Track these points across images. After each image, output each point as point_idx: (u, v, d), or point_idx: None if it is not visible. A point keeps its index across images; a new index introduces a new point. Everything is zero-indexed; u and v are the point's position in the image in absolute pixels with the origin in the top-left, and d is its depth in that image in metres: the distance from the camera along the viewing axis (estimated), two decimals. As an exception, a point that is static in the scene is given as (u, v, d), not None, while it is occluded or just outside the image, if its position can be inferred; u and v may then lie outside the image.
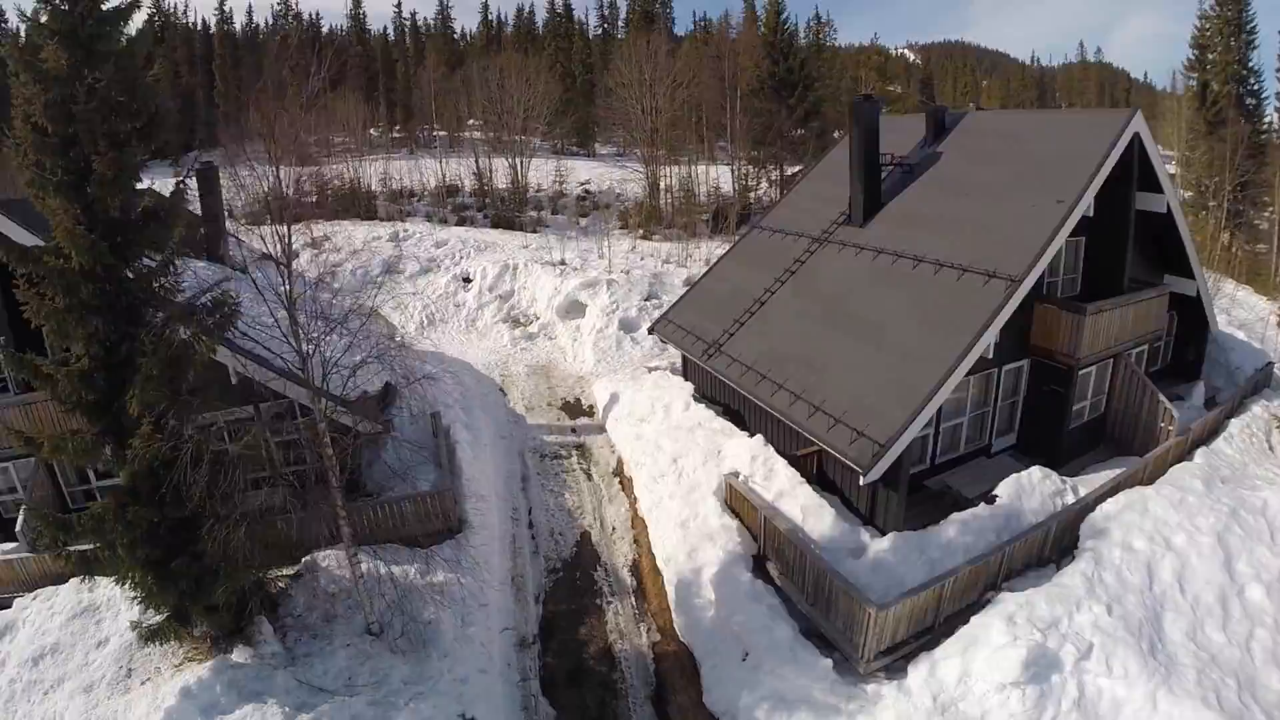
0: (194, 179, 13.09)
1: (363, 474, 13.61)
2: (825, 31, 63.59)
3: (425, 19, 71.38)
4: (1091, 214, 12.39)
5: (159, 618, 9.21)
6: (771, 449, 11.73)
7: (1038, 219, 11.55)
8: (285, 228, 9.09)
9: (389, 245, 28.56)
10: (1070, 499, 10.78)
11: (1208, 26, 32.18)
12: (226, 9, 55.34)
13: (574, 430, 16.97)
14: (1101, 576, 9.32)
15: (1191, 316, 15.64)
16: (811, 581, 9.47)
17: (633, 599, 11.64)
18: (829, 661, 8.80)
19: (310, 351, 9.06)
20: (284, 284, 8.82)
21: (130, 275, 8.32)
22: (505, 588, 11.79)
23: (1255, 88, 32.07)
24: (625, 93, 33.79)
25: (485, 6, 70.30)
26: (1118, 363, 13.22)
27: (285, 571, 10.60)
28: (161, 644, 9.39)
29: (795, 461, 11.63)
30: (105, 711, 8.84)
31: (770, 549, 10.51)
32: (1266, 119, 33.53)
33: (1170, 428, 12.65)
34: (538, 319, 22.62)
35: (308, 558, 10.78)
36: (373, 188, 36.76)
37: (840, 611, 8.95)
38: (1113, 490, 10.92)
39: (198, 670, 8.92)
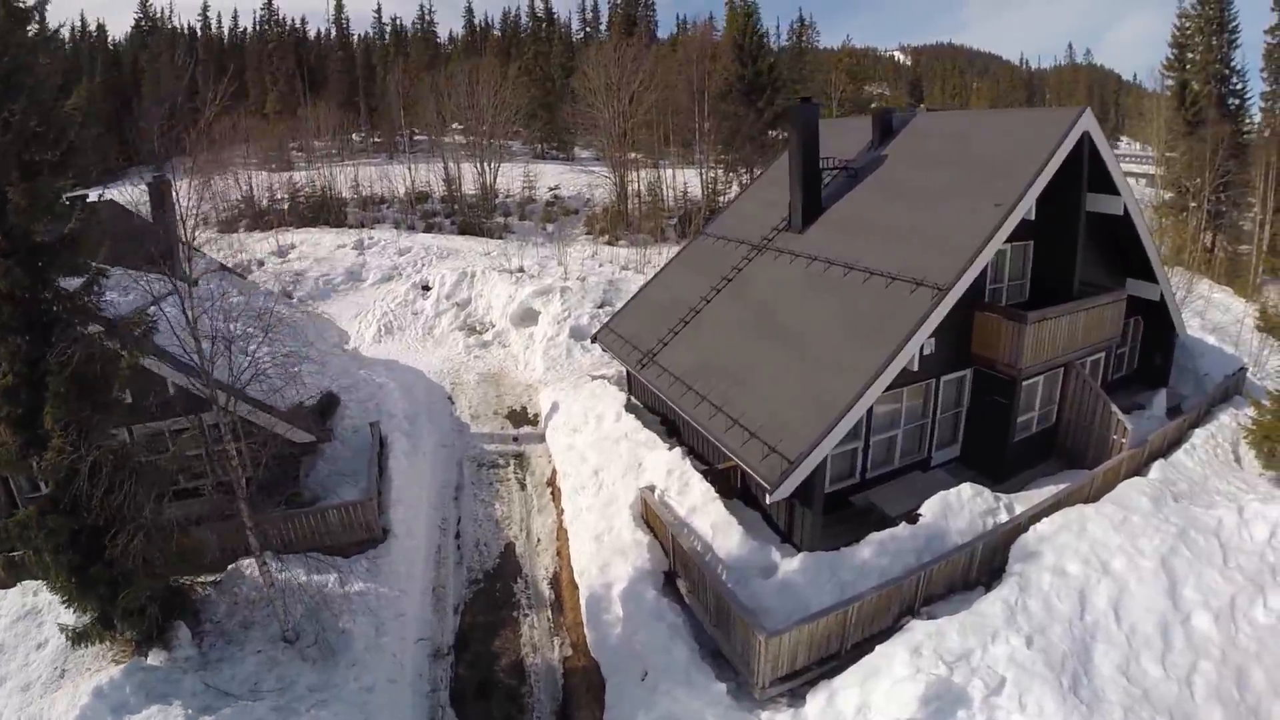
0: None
1: (301, 483, 13.38)
2: (807, 34, 63.03)
3: (411, 23, 71.33)
4: (1034, 217, 11.85)
5: (85, 621, 9.47)
6: (689, 463, 11.22)
7: (973, 224, 10.98)
8: (187, 243, 9.40)
9: (353, 253, 28.22)
10: (1003, 518, 10.18)
11: (1187, 25, 31.53)
12: (210, 14, 55.37)
13: (516, 439, 16.51)
14: (1025, 604, 8.71)
15: (1158, 321, 15.02)
16: (713, 602, 8.95)
17: (549, 612, 11.37)
18: (723, 686, 8.32)
19: (209, 368, 9.15)
20: (188, 305, 8.95)
21: (49, 296, 8.58)
22: (425, 598, 11.68)
23: (1238, 87, 31.39)
24: (593, 98, 33.35)
25: (469, 11, 69.92)
26: (1068, 372, 12.61)
27: (208, 578, 10.57)
28: (89, 646, 9.60)
29: (718, 475, 11.11)
30: (35, 710, 9.10)
31: (680, 566, 9.99)
32: (1254, 119, 32.83)
33: (1123, 440, 12.03)
34: (493, 326, 22.16)
35: (232, 565, 10.88)
36: (344, 194, 36.44)
37: (738, 635, 8.42)
38: (1052, 508, 10.29)
39: (111, 671, 9.08)
